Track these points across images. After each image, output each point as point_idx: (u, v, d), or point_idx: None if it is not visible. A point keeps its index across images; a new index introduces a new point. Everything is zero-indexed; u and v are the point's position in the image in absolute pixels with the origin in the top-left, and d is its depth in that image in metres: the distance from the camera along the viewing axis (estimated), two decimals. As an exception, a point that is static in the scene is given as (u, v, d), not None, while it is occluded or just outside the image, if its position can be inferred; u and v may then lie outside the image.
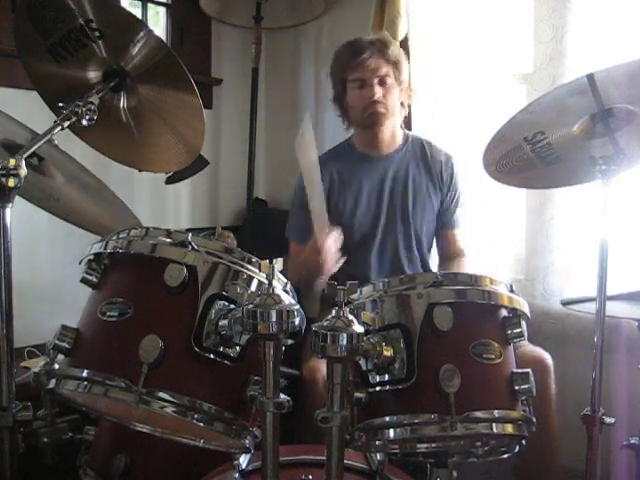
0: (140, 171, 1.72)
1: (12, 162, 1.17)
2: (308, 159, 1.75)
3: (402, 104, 2.14)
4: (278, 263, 1.08)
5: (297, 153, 1.72)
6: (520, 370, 1.22)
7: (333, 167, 2.15)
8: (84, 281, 1.22)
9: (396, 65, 2.06)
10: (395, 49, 2.08)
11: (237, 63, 2.95)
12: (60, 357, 1.17)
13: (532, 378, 1.21)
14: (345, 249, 2.13)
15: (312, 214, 1.79)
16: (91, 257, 1.22)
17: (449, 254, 2.20)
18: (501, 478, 2.06)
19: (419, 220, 2.14)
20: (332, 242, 1.81)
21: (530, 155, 1.54)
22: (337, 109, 2.18)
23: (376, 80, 2.03)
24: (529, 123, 1.47)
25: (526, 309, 1.26)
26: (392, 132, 2.14)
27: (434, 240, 2.24)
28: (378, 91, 2.03)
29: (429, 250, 2.22)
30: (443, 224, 2.20)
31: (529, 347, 1.84)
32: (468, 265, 2.15)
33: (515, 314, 1.24)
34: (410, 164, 2.15)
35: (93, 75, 1.48)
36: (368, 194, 2.13)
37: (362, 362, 1.19)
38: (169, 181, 2.11)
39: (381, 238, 2.13)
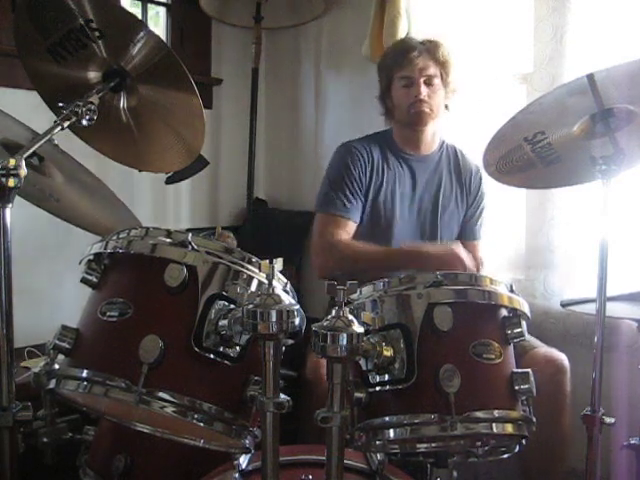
0: (140, 171, 1.72)
1: (12, 162, 1.17)
2: None
3: (446, 106, 2.12)
4: (278, 263, 1.08)
5: None
6: (520, 370, 1.22)
7: (374, 152, 2.11)
8: (84, 281, 1.22)
9: (444, 66, 2.05)
10: (445, 51, 2.06)
11: (237, 63, 2.95)
12: (60, 357, 1.17)
13: (532, 378, 1.20)
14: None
15: None
16: (91, 257, 1.22)
17: None
18: (502, 478, 2.06)
19: (446, 226, 2.13)
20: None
21: (530, 155, 1.54)
22: (381, 106, 2.16)
23: (423, 79, 2.02)
24: (529, 123, 1.47)
25: (526, 309, 1.26)
26: (433, 134, 2.13)
27: None
28: (424, 90, 2.02)
29: None
30: (465, 235, 2.18)
31: (544, 348, 1.84)
32: None
33: (515, 314, 1.24)
34: (443, 170, 2.15)
35: (93, 75, 1.48)
36: (402, 192, 2.11)
37: (362, 362, 1.19)
38: (169, 181, 2.12)
39: (409, 238, 2.09)
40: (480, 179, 2.18)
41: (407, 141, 2.13)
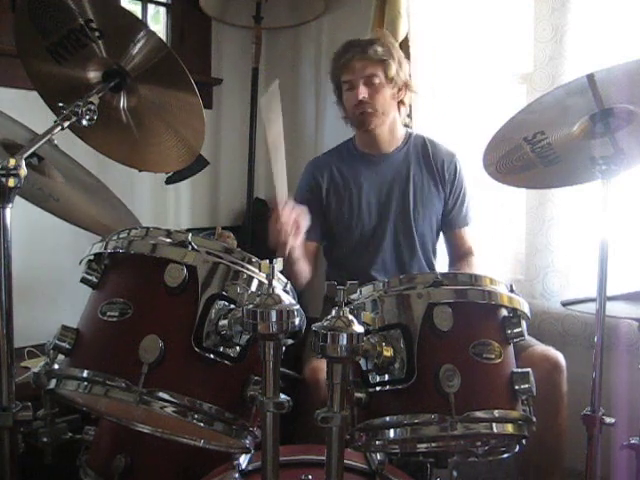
0: (140, 171, 1.72)
1: (12, 162, 1.17)
2: (273, 124, 1.72)
3: (402, 102, 2.13)
4: (278, 263, 1.08)
5: (262, 114, 1.71)
6: (520, 370, 1.21)
7: (334, 165, 2.16)
8: (84, 281, 1.22)
9: (383, 64, 2.03)
10: (380, 48, 2.04)
11: (237, 63, 2.95)
12: (60, 357, 1.17)
13: (532, 378, 1.20)
14: (347, 249, 2.15)
15: (274, 181, 1.66)
16: (91, 257, 1.22)
17: (459, 254, 2.18)
18: (502, 478, 2.06)
19: (421, 220, 2.13)
20: (289, 213, 1.70)
21: (530, 155, 1.54)
22: (340, 110, 2.19)
23: (362, 81, 2.03)
24: (529, 123, 1.47)
25: (526, 309, 1.26)
26: (390, 131, 2.13)
27: (439, 241, 2.23)
28: (363, 91, 2.02)
29: (434, 251, 2.21)
30: (451, 223, 2.18)
31: (541, 346, 1.84)
32: (478, 264, 2.13)
33: (515, 314, 1.24)
34: (411, 163, 2.15)
35: (93, 75, 1.47)
36: (368, 194, 2.13)
37: (362, 362, 1.19)
38: (169, 181, 2.12)
39: (383, 238, 2.12)
40: (455, 165, 2.16)
41: (366, 142, 2.15)
